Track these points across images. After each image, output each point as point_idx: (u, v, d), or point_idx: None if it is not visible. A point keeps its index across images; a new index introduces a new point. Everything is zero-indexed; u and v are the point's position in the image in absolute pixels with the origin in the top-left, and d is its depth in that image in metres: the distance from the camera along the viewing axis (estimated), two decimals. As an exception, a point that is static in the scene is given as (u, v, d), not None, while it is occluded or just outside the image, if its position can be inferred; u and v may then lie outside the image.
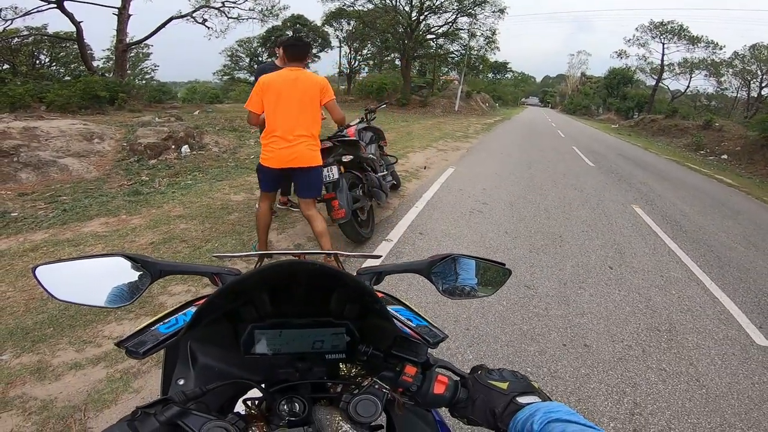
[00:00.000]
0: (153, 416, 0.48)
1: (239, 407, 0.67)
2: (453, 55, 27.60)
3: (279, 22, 23.66)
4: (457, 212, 5.04)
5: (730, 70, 33.98)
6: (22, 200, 4.17)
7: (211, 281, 0.79)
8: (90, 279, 0.67)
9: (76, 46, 15.42)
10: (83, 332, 2.26)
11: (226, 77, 32.59)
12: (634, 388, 2.30)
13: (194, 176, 5.59)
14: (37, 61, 18.02)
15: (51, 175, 4.94)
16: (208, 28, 18.27)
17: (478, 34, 25.51)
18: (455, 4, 23.57)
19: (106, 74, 15.09)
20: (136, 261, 0.69)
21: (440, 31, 25.36)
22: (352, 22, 27.54)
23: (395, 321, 0.70)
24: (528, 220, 5.06)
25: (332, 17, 27.11)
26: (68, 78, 14.91)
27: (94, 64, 17.12)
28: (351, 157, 3.57)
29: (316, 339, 0.68)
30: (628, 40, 39.15)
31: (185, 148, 6.52)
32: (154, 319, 0.69)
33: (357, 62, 32.45)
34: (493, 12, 24.07)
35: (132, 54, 21.61)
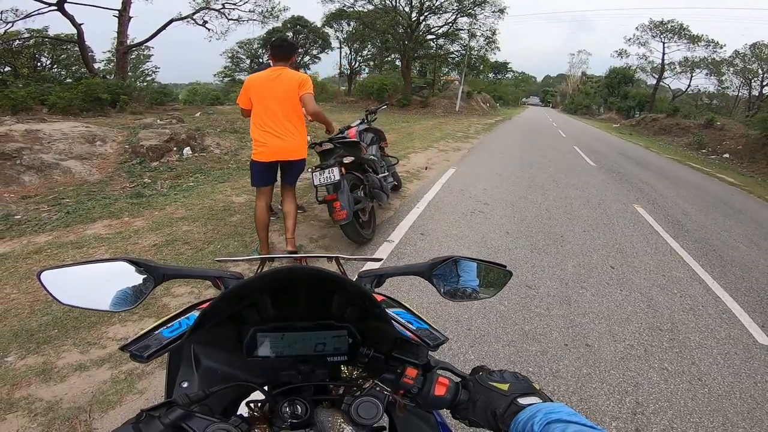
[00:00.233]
0: (157, 419, 0.49)
1: (242, 409, 0.68)
2: (453, 56, 27.59)
3: (279, 24, 23.77)
4: (459, 213, 5.05)
5: (731, 69, 33.92)
6: (26, 203, 4.19)
7: (213, 285, 0.80)
8: (94, 283, 0.68)
9: (77, 48, 15.46)
10: (88, 334, 2.27)
11: (226, 79, 32.69)
12: (636, 388, 2.30)
13: (196, 178, 5.61)
14: (39, 64, 18.05)
15: (54, 177, 4.96)
16: (209, 29, 18.35)
17: (478, 34, 25.52)
18: (455, 4, 23.58)
19: (107, 76, 15.12)
20: (139, 265, 0.70)
21: (440, 31, 25.35)
22: (352, 23, 27.59)
23: (395, 324, 0.71)
24: (529, 220, 5.06)
25: (332, 18, 27.16)
26: (69, 80, 14.97)
27: (95, 66, 17.14)
28: (352, 158, 3.57)
29: (318, 342, 0.68)
30: (629, 40, 39.21)
31: (187, 150, 6.54)
32: (158, 323, 0.70)
33: (357, 63, 32.52)
34: (493, 12, 24.08)
35: (133, 56, 21.68)
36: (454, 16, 24.38)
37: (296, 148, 3.20)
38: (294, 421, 0.61)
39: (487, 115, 28.27)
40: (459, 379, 0.66)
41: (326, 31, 28.31)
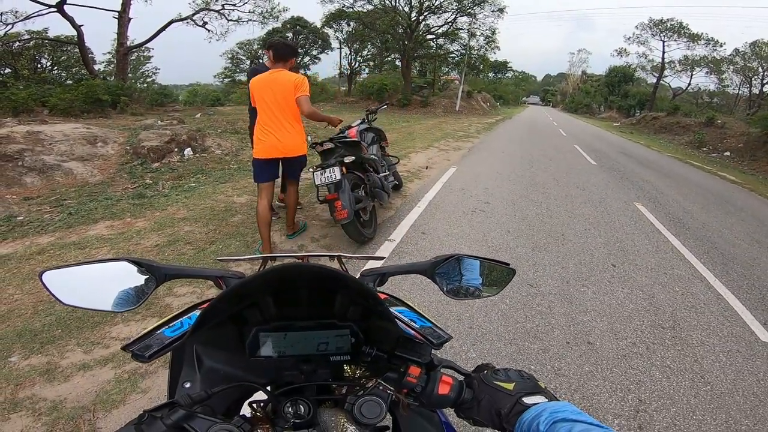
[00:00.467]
0: (160, 419, 0.48)
1: (245, 410, 0.68)
2: (453, 55, 27.63)
3: (279, 24, 23.76)
4: (460, 212, 5.05)
5: (731, 67, 33.91)
6: (28, 204, 4.20)
7: (215, 284, 0.80)
8: (96, 283, 0.68)
9: (77, 50, 15.48)
10: (91, 334, 2.28)
11: (227, 80, 32.72)
12: (639, 385, 2.31)
13: (197, 179, 5.62)
14: (39, 65, 18.05)
15: (55, 179, 4.97)
16: (209, 30, 18.40)
17: (478, 33, 25.57)
18: (455, 4, 23.65)
19: (108, 78, 15.14)
20: (141, 265, 0.69)
21: (440, 31, 25.41)
22: (351, 24, 27.60)
23: (398, 322, 0.70)
24: (530, 218, 5.06)
25: (332, 19, 27.17)
26: (70, 82, 14.98)
27: (95, 67, 17.17)
28: (353, 157, 3.58)
29: (321, 341, 0.68)
30: (628, 38, 39.11)
31: (188, 151, 6.55)
32: (160, 322, 0.69)
33: (357, 63, 32.52)
34: (492, 11, 24.15)
35: (133, 57, 21.69)
36: (453, 16, 24.47)
37: (292, 146, 3.35)
38: (297, 421, 0.61)
39: (487, 115, 28.26)
40: (463, 378, 0.66)
41: (326, 31, 28.34)
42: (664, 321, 3.04)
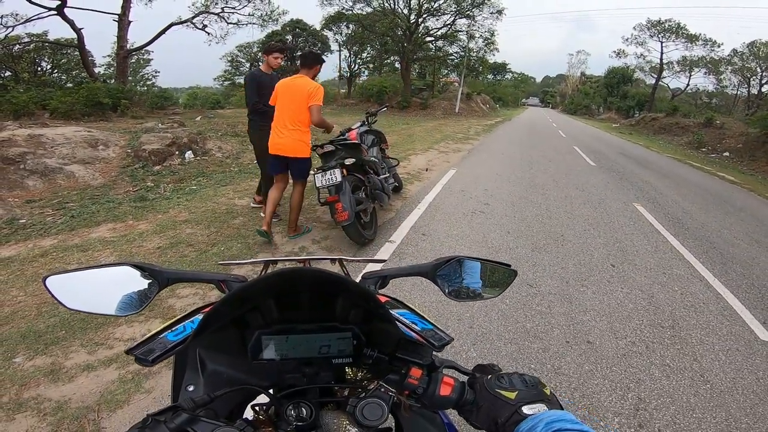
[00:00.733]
0: (163, 423, 0.49)
1: (248, 413, 0.68)
2: (452, 57, 27.69)
3: (278, 27, 23.77)
4: (459, 213, 5.07)
5: (729, 67, 33.92)
6: (30, 207, 4.23)
7: (217, 288, 0.80)
8: (99, 288, 0.69)
9: (77, 53, 15.50)
10: (95, 335, 2.30)
11: (226, 82, 32.73)
12: (639, 384, 2.32)
13: (198, 181, 5.64)
14: (39, 68, 18.06)
15: (57, 182, 4.99)
16: (208, 33, 18.38)
17: (477, 35, 25.68)
18: (453, 6, 23.72)
19: (108, 81, 15.17)
20: (143, 270, 0.70)
21: (439, 33, 25.49)
22: (351, 26, 27.65)
23: (400, 325, 0.71)
24: (530, 219, 5.08)
25: (331, 21, 27.22)
26: (70, 85, 15.00)
27: (95, 70, 17.21)
28: (353, 160, 3.61)
29: (323, 344, 0.68)
30: (626, 39, 38.97)
31: (189, 154, 6.58)
32: (163, 326, 0.71)
33: (357, 66, 32.57)
34: (491, 13, 24.24)
35: (133, 60, 21.71)
36: (452, 18, 24.55)
37: (294, 147, 3.53)
38: (299, 423, 0.61)
39: (486, 117, 28.32)
40: (465, 378, 0.66)
41: (325, 34, 28.37)
42: (664, 320, 3.05)
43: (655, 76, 38.41)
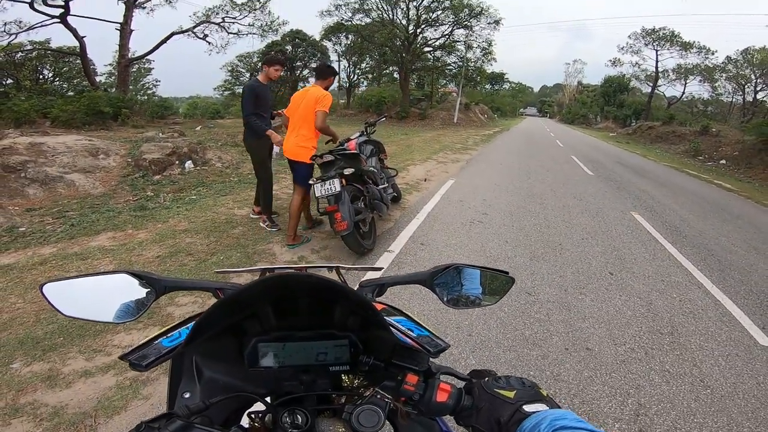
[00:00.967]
0: (157, 430, 0.48)
1: (244, 420, 0.68)
2: (450, 67, 27.93)
3: (278, 37, 23.96)
4: (458, 223, 5.08)
5: (724, 75, 34.06)
6: (30, 215, 4.24)
7: (214, 296, 0.81)
8: (96, 295, 0.70)
9: (79, 61, 15.63)
10: (93, 341, 2.29)
11: (226, 92, 32.89)
12: (638, 390, 2.32)
13: (198, 191, 5.66)
14: (41, 76, 18.16)
15: (58, 190, 5.01)
16: (209, 43, 18.59)
17: (475, 45, 25.94)
18: (451, 16, 24.01)
19: (109, 89, 15.26)
20: (140, 278, 0.71)
21: (437, 43, 25.75)
22: (350, 37, 27.92)
23: (396, 331, 0.70)
24: (528, 229, 5.10)
25: (331, 32, 27.47)
26: (71, 93, 15.09)
27: (97, 79, 17.29)
28: (352, 169, 3.62)
29: (320, 351, 0.68)
30: (622, 48, 39.12)
31: (189, 164, 6.61)
32: (159, 332, 0.71)
33: (356, 76, 32.80)
34: (488, 23, 24.53)
35: (134, 69, 21.86)
36: (450, 28, 24.83)
37: (294, 150, 3.76)
38: (295, 431, 0.61)
39: (485, 127, 28.50)
40: (462, 384, 0.66)
41: (325, 44, 28.58)
42: (663, 327, 3.06)
43: (651, 84, 38.66)
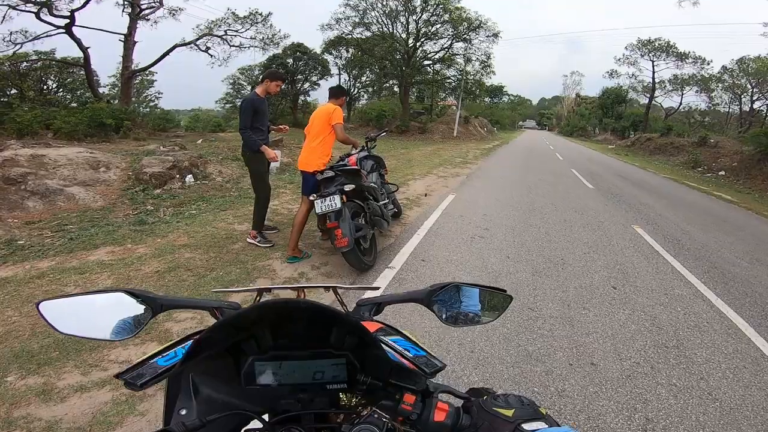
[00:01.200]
0: None
1: None
2: (450, 81, 28.23)
3: (280, 51, 24.24)
4: (459, 238, 5.06)
5: (720, 85, 34.13)
6: (29, 228, 4.22)
7: (211, 315, 0.81)
8: (93, 313, 0.69)
9: (82, 72, 15.67)
10: (89, 356, 2.26)
11: (228, 105, 33.16)
12: (645, 404, 2.28)
13: (198, 206, 5.64)
14: (45, 87, 18.23)
15: (58, 203, 5.00)
16: (211, 56, 18.79)
17: (474, 58, 26.27)
18: (450, 30, 24.35)
19: (111, 101, 15.36)
20: (137, 296, 0.70)
21: (437, 56, 26.06)
22: (350, 50, 28.28)
23: (392, 352, 0.70)
24: (529, 244, 5.07)
25: (331, 45, 27.83)
26: (75, 104, 15.17)
27: (100, 90, 17.39)
28: (353, 186, 3.61)
29: (317, 370, 0.68)
30: (618, 59, 39.33)
31: (189, 178, 6.61)
32: (155, 351, 0.70)
33: (356, 89, 33.10)
34: (487, 37, 24.90)
35: (137, 81, 22.06)
36: (449, 42, 25.20)
37: (305, 161, 3.97)
38: None
39: (484, 140, 28.67)
40: (461, 403, 0.66)
41: (326, 57, 28.91)
42: (668, 340, 3.02)
43: (648, 95, 38.80)
